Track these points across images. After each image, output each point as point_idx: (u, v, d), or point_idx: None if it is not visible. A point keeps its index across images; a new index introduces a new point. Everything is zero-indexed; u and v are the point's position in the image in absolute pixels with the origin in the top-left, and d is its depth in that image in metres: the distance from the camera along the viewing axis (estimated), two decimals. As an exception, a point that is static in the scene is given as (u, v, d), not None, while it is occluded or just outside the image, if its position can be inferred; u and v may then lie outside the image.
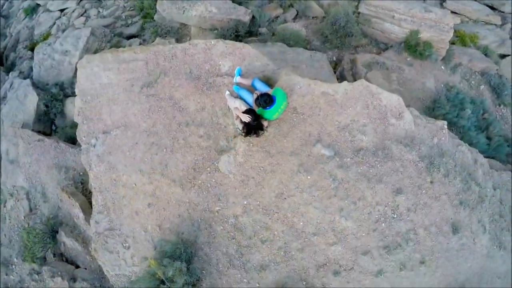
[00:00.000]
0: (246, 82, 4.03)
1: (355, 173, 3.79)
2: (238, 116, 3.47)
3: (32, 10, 9.67)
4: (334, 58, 6.80)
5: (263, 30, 7.02)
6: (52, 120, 7.16)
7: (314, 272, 3.72)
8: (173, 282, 3.73)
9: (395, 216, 3.85)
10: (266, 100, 3.27)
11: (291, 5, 7.18)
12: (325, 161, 3.78)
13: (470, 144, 6.01)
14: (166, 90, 4.43)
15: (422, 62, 6.54)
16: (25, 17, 9.77)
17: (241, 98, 3.88)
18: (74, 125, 6.66)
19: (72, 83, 7.26)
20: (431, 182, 4.11)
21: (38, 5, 9.69)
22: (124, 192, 4.39)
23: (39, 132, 6.98)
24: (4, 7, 10.91)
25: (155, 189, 4.16)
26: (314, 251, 3.71)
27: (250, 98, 3.75)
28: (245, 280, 3.81)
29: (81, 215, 5.42)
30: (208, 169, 4.01)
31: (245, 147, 3.94)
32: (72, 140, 6.58)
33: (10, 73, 8.65)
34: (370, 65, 6.30)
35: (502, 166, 6.02)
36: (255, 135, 3.48)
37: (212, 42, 4.55)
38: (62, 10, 9.10)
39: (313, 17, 7.09)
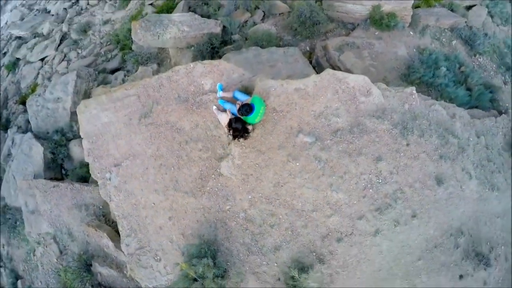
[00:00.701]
0: (228, 95, 5.11)
1: (337, 152, 4.83)
2: (225, 126, 4.56)
3: (13, 65, 10.94)
4: (308, 48, 7.82)
5: (236, 36, 8.09)
6: (60, 165, 8.37)
7: (320, 243, 4.77)
8: (204, 278, 4.81)
9: (379, 180, 4.87)
10: (246, 110, 4.33)
11: (256, 7, 8.24)
12: (309, 147, 4.82)
13: (450, 100, 6.99)
14: (161, 117, 5.53)
15: (390, 33, 7.52)
16: (8, 74, 11.05)
17: (227, 110, 4.95)
18: (83, 165, 7.88)
19: (71, 127, 8.47)
20: (407, 144, 5.11)
21: (18, 59, 10.95)
22: (145, 213, 5.50)
23: (51, 179, 8.19)
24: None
25: (172, 203, 5.27)
26: (316, 225, 4.76)
27: (235, 109, 4.81)
28: (264, 262, 4.88)
29: (110, 243, 6.56)
30: (213, 175, 5.09)
31: (239, 150, 5.01)
32: (84, 179, 7.77)
33: (8, 130, 9.91)
34: (341, 47, 7.30)
35: (485, 114, 6.96)
36: (242, 138, 4.55)
37: (191, 65, 5.64)
38: (42, 59, 10.33)
39: (279, 14, 8.13)
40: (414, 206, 5.00)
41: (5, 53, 11.57)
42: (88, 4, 10.32)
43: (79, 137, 8.28)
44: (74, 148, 8.17)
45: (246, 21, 8.22)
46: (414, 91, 5.60)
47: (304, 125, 4.94)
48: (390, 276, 4.93)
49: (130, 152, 5.72)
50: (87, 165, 7.53)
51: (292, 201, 4.80)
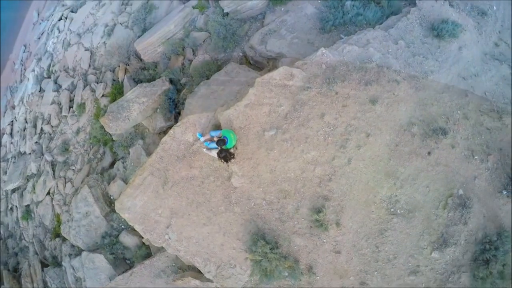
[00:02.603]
0: (207, 137, 10.13)
1: (294, 129, 9.69)
2: (218, 158, 9.56)
3: (27, 213, 16.68)
4: (241, 54, 12.69)
5: (183, 80, 13.17)
6: (123, 258, 13.81)
7: (319, 189, 9.65)
8: (265, 254, 9.84)
9: (331, 129, 9.67)
10: (222, 143, 9.26)
11: (183, 48, 13.20)
12: (275, 137, 9.74)
13: (367, 23, 11.57)
14: (176, 177, 10.66)
15: (292, 1, 12.19)
16: (28, 222, 16.77)
17: (212, 148, 9.94)
18: (140, 247, 13.33)
19: (112, 226, 13.95)
20: (337, 93, 9.86)
21: (28, 206, 16.67)
22: (206, 242, 10.66)
23: (123, 272, 13.64)
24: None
25: (219, 225, 10.38)
26: (310, 180, 9.66)
27: (215, 145, 9.79)
28: (295, 223, 9.84)
29: (197, 281, 11.83)
30: (231, 191, 10.15)
31: (236, 166, 10.01)
32: (148, 255, 13.14)
33: (62, 263, 15.58)
34: (263, 40, 12.11)
35: (398, 17, 11.45)
36: (232, 159, 9.49)
37: (172, 132, 10.73)
38: (48, 193, 15.91)
39: (204, 42, 13.03)
40: (365, 129, 9.75)
41: (11, 209, 17.38)
42: (52, 127, 15.76)
43: (123, 229, 13.81)
44: (124, 239, 13.62)
45: (183, 64, 13.25)
46: (324, 50, 10.31)
47: (264, 125, 9.83)
48: (377, 182, 9.74)
49: (171, 212, 10.90)
50: (143, 244, 12.99)
51: (287, 175, 9.74)
